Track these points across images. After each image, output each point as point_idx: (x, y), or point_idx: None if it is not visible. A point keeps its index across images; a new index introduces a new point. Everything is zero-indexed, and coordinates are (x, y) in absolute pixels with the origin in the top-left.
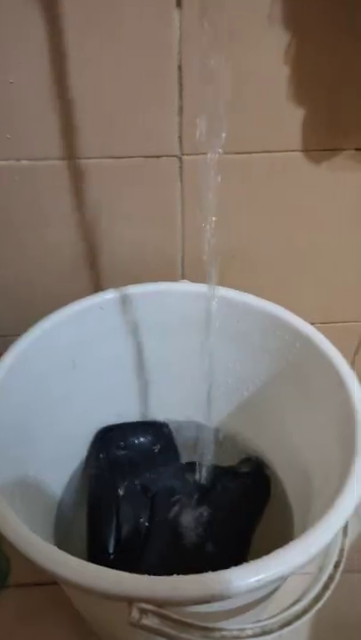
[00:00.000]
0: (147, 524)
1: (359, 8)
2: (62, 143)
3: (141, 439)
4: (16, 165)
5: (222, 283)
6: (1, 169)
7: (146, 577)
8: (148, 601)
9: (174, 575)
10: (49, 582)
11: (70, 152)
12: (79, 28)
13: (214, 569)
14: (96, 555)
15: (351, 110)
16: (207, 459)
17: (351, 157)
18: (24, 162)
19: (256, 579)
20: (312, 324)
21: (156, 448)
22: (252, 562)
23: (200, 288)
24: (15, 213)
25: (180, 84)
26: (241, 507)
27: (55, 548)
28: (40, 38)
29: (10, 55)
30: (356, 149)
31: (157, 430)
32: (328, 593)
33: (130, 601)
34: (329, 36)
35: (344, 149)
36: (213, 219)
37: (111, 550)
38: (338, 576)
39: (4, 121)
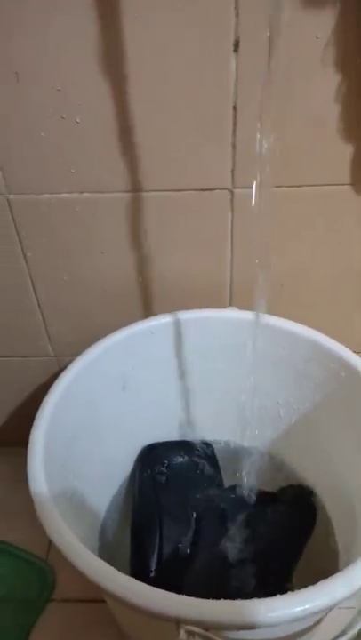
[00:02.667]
0: (189, 544)
1: None
2: (122, 177)
3: (186, 458)
4: (78, 197)
5: (270, 310)
6: (63, 201)
7: (195, 599)
8: (196, 623)
9: (222, 599)
10: (93, 599)
11: (129, 185)
12: (142, 70)
13: (256, 596)
14: (137, 571)
15: None
16: (251, 482)
17: None
18: (86, 194)
19: (301, 608)
20: (358, 352)
21: (200, 468)
22: (297, 591)
23: (247, 315)
24: (73, 241)
25: (235, 123)
26: (285, 534)
27: (107, 565)
28: (106, 81)
29: (77, 97)
30: None
31: (201, 450)
32: None
33: (178, 622)
34: None
35: None
36: (264, 248)
37: (153, 568)
38: None
39: (69, 157)
